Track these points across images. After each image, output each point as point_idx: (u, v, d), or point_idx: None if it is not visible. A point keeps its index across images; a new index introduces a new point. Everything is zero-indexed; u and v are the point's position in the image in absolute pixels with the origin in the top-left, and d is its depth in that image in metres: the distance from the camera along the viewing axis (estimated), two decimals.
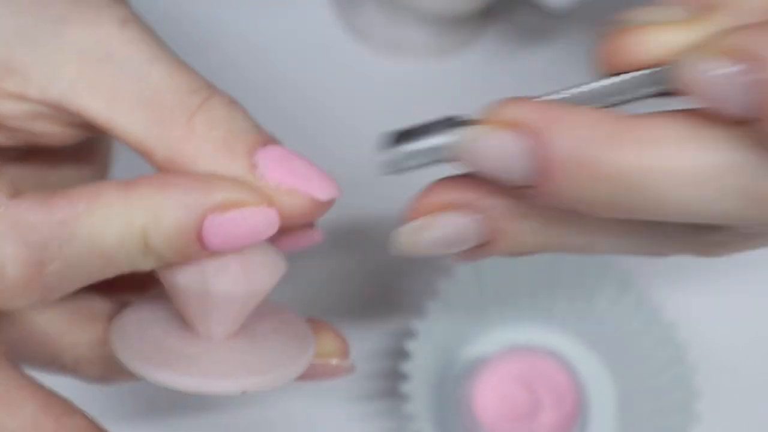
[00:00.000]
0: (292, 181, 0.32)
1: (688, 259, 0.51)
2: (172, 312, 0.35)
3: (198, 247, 0.32)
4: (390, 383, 0.47)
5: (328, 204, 0.33)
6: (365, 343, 0.49)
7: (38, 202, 0.31)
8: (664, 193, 0.27)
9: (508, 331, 0.49)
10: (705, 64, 0.26)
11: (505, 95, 0.53)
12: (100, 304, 0.36)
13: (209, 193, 0.31)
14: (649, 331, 0.47)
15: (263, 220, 0.32)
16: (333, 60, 0.55)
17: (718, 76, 0.26)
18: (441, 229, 0.32)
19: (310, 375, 0.35)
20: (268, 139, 0.33)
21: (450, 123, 0.31)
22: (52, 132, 0.34)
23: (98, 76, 0.32)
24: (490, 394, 0.45)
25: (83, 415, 0.33)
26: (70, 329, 0.36)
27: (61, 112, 0.33)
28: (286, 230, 0.33)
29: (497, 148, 0.29)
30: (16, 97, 0.33)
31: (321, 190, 0.32)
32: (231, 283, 0.33)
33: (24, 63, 0.32)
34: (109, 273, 0.32)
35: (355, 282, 0.50)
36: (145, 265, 0.32)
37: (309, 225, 0.35)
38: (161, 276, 0.33)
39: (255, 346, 0.34)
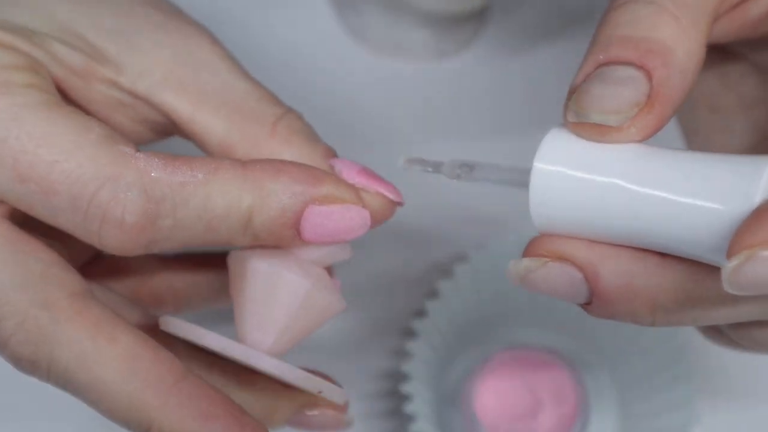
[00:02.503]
0: (368, 183, 0.35)
1: None
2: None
3: (293, 234, 0.34)
4: (390, 383, 0.47)
5: (395, 208, 0.36)
6: (366, 343, 0.49)
7: (163, 161, 0.33)
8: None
9: (508, 331, 0.49)
10: None
11: (505, 95, 0.54)
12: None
13: (315, 185, 0.34)
14: (649, 330, 0.47)
15: (358, 219, 0.35)
16: (333, 60, 0.55)
17: None
18: (549, 278, 0.32)
19: (306, 423, 0.38)
20: (335, 153, 0.37)
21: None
22: (131, 129, 0.37)
23: (188, 78, 0.36)
24: (491, 394, 0.45)
25: (173, 356, 0.35)
26: None
27: (145, 107, 0.36)
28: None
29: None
30: (107, 81, 0.36)
31: (392, 193, 0.36)
32: (296, 280, 0.35)
33: (118, 55, 0.36)
34: (206, 242, 0.34)
35: (355, 282, 0.50)
36: (240, 242, 0.34)
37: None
38: (231, 259, 0.36)
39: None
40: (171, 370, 0.34)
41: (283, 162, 0.35)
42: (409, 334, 0.46)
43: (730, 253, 0.27)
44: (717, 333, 0.35)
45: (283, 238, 0.34)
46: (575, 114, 0.31)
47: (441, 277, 0.47)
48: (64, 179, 0.32)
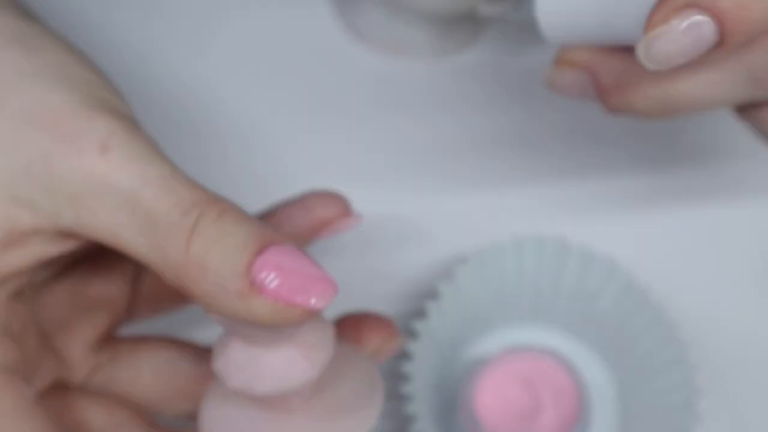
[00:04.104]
0: (288, 296, 0.32)
1: (690, 259, 0.51)
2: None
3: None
4: (391, 384, 0.47)
5: (312, 314, 0.32)
6: None
7: None
8: None
9: (509, 331, 0.49)
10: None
11: (505, 95, 0.54)
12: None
13: None
14: (650, 331, 0.47)
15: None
16: (333, 60, 0.55)
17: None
18: (566, 80, 0.39)
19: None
20: (265, 241, 0.32)
21: None
22: (71, 247, 0.35)
23: (96, 208, 0.33)
24: (491, 395, 0.45)
25: None
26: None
27: (76, 235, 0.34)
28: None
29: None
30: (32, 231, 0.34)
31: (318, 297, 0.32)
32: (269, 385, 0.33)
33: (29, 200, 0.33)
34: None
35: (355, 283, 0.50)
36: None
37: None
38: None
39: (331, 413, 0.35)
40: None
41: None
42: (410, 334, 0.46)
43: (645, 33, 0.32)
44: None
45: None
46: None
47: (441, 277, 0.47)
48: None
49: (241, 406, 0.35)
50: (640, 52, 0.32)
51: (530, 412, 0.45)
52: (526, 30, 0.55)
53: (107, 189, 0.33)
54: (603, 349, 0.48)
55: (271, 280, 0.31)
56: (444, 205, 0.52)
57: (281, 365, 0.33)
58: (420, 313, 0.47)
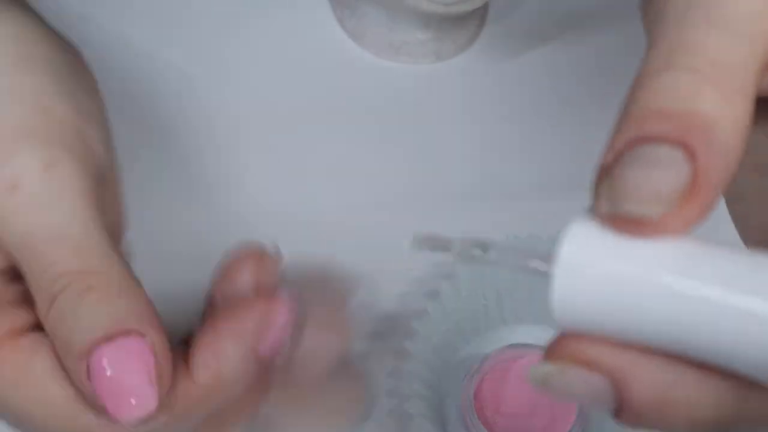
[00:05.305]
0: (107, 398, 0.32)
1: None
2: None
3: None
4: (390, 382, 0.47)
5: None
6: (366, 342, 0.49)
7: None
8: None
9: (508, 331, 0.49)
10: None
11: (504, 96, 0.54)
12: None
13: None
14: None
15: None
16: (333, 60, 0.55)
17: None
18: (570, 384, 0.28)
19: None
20: (112, 331, 0.32)
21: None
22: None
23: (4, 239, 0.33)
24: (490, 393, 0.45)
25: None
26: None
27: None
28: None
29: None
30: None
31: (130, 409, 0.32)
32: None
33: None
34: None
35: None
36: None
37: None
38: None
39: None
40: None
41: None
42: (409, 333, 0.47)
43: None
44: None
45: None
46: (609, 203, 0.27)
47: (441, 277, 0.48)
48: None
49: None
50: None
51: (528, 409, 0.45)
52: (526, 30, 0.55)
53: (8, 228, 0.33)
54: None
55: (101, 375, 0.32)
56: (443, 205, 0.52)
57: None
58: (420, 313, 0.47)
